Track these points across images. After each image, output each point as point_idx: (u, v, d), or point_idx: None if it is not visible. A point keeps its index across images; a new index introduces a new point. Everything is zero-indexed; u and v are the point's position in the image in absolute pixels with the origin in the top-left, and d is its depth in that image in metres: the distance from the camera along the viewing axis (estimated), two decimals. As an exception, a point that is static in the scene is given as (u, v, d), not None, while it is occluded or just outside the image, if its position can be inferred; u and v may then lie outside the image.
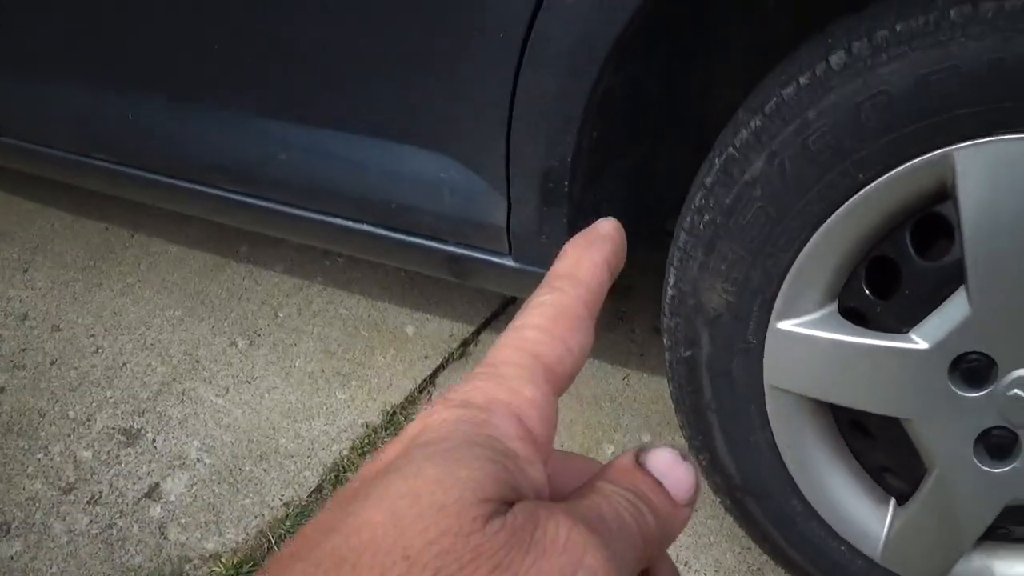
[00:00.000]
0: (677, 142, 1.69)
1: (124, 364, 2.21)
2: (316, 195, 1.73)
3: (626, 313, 2.30)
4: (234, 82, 1.72)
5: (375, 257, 1.85)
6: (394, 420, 2.02)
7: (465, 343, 2.22)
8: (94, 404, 2.11)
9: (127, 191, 2.09)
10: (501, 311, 2.32)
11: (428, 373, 2.14)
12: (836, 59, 1.22)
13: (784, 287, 1.35)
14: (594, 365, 2.16)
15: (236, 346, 2.24)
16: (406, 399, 2.08)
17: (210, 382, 2.15)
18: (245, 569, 1.76)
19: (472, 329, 2.27)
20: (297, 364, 2.18)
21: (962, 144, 1.18)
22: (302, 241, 1.95)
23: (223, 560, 1.77)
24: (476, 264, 1.65)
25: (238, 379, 2.15)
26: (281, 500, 1.88)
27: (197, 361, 2.20)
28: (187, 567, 1.78)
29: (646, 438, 1.98)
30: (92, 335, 2.29)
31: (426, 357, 2.18)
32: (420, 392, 2.10)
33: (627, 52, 1.45)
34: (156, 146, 1.89)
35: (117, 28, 1.79)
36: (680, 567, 1.75)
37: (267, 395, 2.11)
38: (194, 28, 1.69)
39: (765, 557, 1.65)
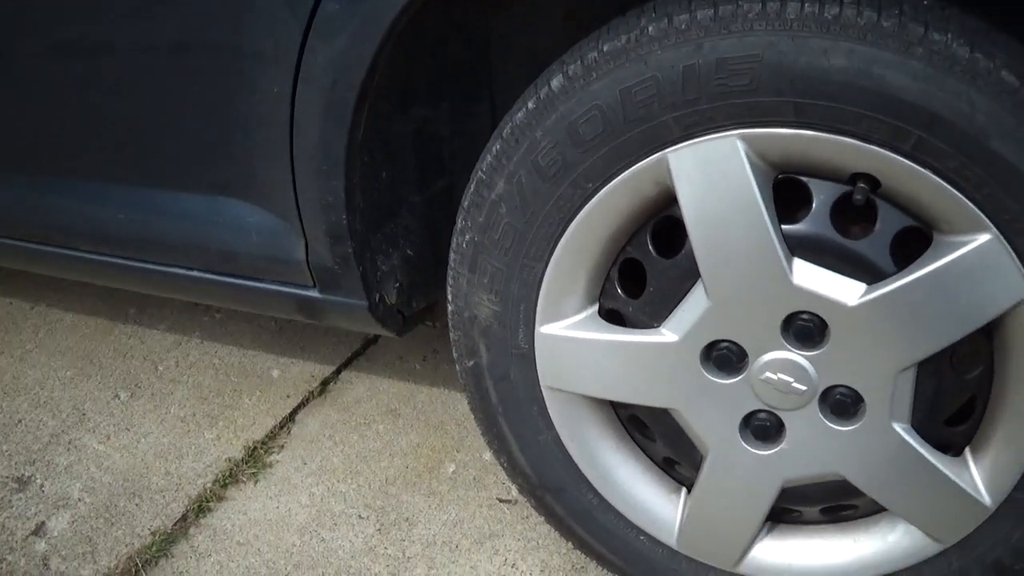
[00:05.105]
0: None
1: (20, 421, 2.13)
2: (152, 248, 1.68)
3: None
4: (77, 153, 1.68)
5: (218, 302, 1.80)
6: (255, 454, 1.96)
7: (325, 382, 2.16)
8: (-9, 457, 2.04)
9: (8, 260, 2.02)
10: (362, 351, 2.26)
11: (288, 411, 2.07)
12: (556, 82, 1.19)
13: (542, 295, 1.31)
14: (443, 393, 2.10)
15: (119, 398, 2.17)
16: (267, 435, 2.01)
17: (94, 431, 2.07)
18: (113, 591, 1.74)
19: (333, 369, 2.21)
20: (172, 410, 2.11)
21: (672, 148, 1.15)
22: (155, 293, 1.89)
23: (96, 583, 1.74)
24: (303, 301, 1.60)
25: (119, 427, 2.08)
26: (149, 530, 1.82)
27: (83, 414, 2.13)
28: (63, 592, 1.75)
29: (486, 456, 1.91)
30: (-7, 398, 2.22)
31: (288, 396, 2.12)
32: (280, 428, 2.03)
33: (407, 98, 1.42)
34: (25, 217, 1.84)
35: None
36: (508, 569, 1.68)
37: (143, 439, 2.04)
38: (39, 109, 1.65)
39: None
